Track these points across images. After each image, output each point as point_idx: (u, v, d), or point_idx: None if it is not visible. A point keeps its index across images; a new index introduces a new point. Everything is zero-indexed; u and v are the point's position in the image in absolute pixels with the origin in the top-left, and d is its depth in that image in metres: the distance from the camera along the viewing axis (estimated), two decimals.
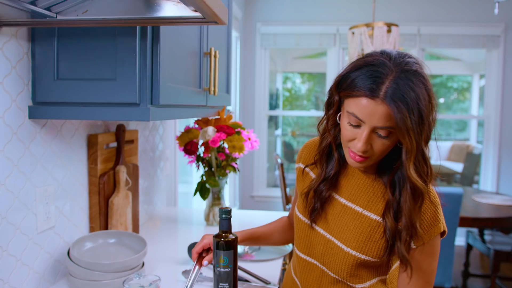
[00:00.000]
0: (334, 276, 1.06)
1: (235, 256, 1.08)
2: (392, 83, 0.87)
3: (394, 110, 0.86)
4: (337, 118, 1.03)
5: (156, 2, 0.91)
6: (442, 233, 1.00)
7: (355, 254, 1.01)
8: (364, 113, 0.90)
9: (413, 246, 0.97)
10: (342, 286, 1.06)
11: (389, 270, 1.07)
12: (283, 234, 1.35)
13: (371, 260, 1.01)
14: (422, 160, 0.92)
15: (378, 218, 1.02)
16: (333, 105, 1.01)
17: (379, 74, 0.88)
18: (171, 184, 2.46)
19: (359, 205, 1.05)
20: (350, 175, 1.09)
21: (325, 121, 1.07)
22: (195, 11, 0.88)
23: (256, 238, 1.29)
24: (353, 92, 0.91)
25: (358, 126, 0.93)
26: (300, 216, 1.14)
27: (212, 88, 1.52)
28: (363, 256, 1.01)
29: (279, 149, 6.58)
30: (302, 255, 1.14)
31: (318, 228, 1.09)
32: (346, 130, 0.96)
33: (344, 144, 1.00)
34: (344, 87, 0.95)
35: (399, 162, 0.97)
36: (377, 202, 1.03)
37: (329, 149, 1.08)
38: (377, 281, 1.06)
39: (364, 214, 1.03)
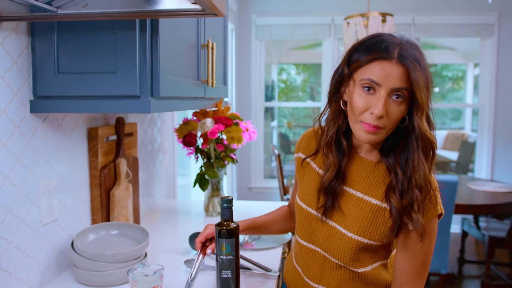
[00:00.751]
0: (336, 261, 1.09)
1: (237, 244, 1.11)
2: (402, 48, 0.94)
3: (410, 67, 0.92)
4: (341, 104, 1.06)
5: None
6: (439, 215, 1.03)
7: (357, 238, 1.04)
8: (381, 75, 0.94)
9: (410, 227, 0.99)
10: (344, 271, 1.09)
11: (389, 254, 1.10)
12: (283, 223, 1.37)
13: (373, 244, 1.04)
14: (427, 121, 0.98)
15: (379, 202, 1.04)
16: (344, 81, 1.04)
17: (389, 43, 0.96)
18: (170, 176, 2.47)
19: (360, 191, 1.07)
20: (350, 162, 1.11)
21: (327, 110, 1.10)
22: (195, 3, 0.89)
23: (257, 227, 1.32)
24: (368, 58, 0.96)
25: (372, 93, 0.96)
26: (303, 205, 1.16)
27: (210, 80, 1.54)
28: (365, 241, 1.03)
29: (275, 141, 6.60)
30: (304, 243, 1.16)
31: (321, 216, 1.12)
32: (359, 101, 0.98)
33: (355, 120, 1.00)
34: (356, 58, 0.99)
35: (402, 143, 1.01)
36: (377, 187, 1.06)
37: (336, 138, 1.09)
38: (379, 265, 1.09)
39: (365, 199, 1.06)
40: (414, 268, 1.03)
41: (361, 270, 1.08)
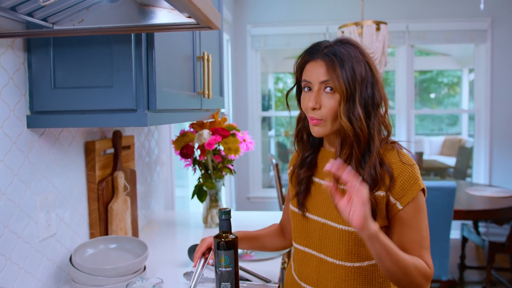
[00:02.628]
0: (332, 261, 1.09)
1: (236, 256, 1.10)
2: (331, 47, 1.07)
3: (327, 61, 1.04)
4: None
5: (151, 10, 0.93)
6: (423, 191, 1.06)
7: (348, 229, 1.06)
8: (310, 74, 1.08)
9: (400, 206, 1.03)
10: (341, 271, 1.09)
11: None
12: (274, 238, 1.38)
13: None
14: (356, 110, 1.03)
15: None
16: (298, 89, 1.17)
17: (319, 45, 1.09)
18: (168, 188, 2.47)
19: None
20: (326, 159, 1.15)
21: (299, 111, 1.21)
22: (189, 17, 0.90)
23: (248, 239, 1.33)
24: (300, 64, 1.12)
25: (310, 89, 1.09)
26: (294, 208, 1.20)
27: (206, 92, 1.54)
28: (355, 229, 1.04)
29: (273, 150, 6.60)
30: (300, 247, 1.17)
31: (311, 216, 1.14)
32: (303, 100, 1.11)
33: (307, 116, 1.11)
34: (296, 66, 1.14)
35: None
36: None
37: (301, 133, 1.20)
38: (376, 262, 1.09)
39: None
40: (417, 243, 1.04)
41: (357, 264, 1.08)
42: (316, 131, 1.10)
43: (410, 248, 1.04)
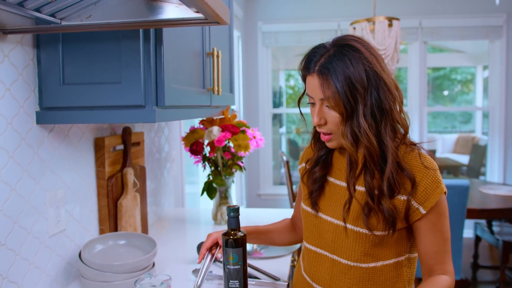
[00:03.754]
0: (346, 262, 1.07)
1: (244, 253, 1.10)
2: (325, 58, 1.00)
3: (322, 77, 0.99)
4: None
5: (158, 5, 0.93)
6: (445, 193, 1.05)
7: (365, 231, 1.03)
8: (310, 89, 1.04)
9: (423, 211, 1.01)
10: (355, 272, 1.07)
11: (404, 251, 1.09)
12: (285, 233, 1.36)
13: (382, 234, 1.03)
14: (362, 125, 0.98)
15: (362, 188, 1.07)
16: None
17: (314, 54, 1.02)
18: (178, 184, 2.47)
19: (359, 185, 1.07)
20: (343, 158, 1.13)
21: None
22: (197, 12, 0.89)
23: (259, 233, 1.31)
24: (302, 76, 1.07)
25: (314, 104, 1.05)
26: (306, 208, 1.17)
27: (215, 88, 1.53)
28: (374, 233, 1.03)
29: (284, 147, 6.59)
30: (312, 247, 1.15)
31: (325, 217, 1.11)
32: (311, 114, 1.08)
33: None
34: (301, 77, 1.09)
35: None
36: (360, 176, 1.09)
37: (318, 135, 1.16)
38: (392, 262, 1.07)
39: (365, 191, 1.05)
40: (441, 246, 1.05)
41: (371, 265, 1.06)
42: (330, 145, 1.09)
43: (434, 252, 1.04)
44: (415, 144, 1.07)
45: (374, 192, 1.01)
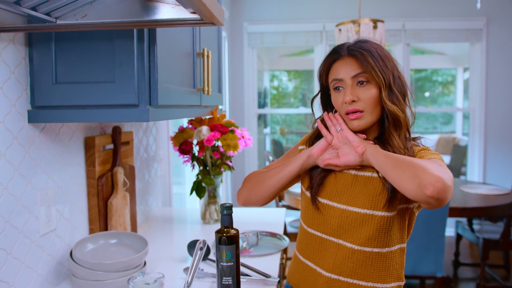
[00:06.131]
0: (351, 246, 1.10)
1: (237, 251, 1.11)
2: (350, 45, 1.12)
3: (358, 55, 1.08)
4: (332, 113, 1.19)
5: (154, 5, 0.93)
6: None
7: (373, 213, 1.08)
8: (339, 71, 1.11)
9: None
10: (359, 256, 1.10)
11: (404, 239, 1.14)
12: None
13: (389, 215, 1.07)
14: (395, 95, 1.09)
15: (369, 174, 1.13)
16: (324, 96, 1.22)
17: (338, 46, 1.14)
18: (166, 184, 2.47)
19: (368, 171, 1.12)
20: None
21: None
22: (193, 13, 0.90)
23: None
24: (326, 65, 1.14)
25: (342, 90, 1.11)
26: (309, 194, 1.19)
27: (206, 88, 1.54)
28: (381, 213, 1.07)
29: (268, 147, 6.61)
30: (317, 233, 1.17)
31: (330, 203, 1.15)
32: (335, 100, 1.14)
33: (343, 115, 1.13)
34: (321, 71, 1.17)
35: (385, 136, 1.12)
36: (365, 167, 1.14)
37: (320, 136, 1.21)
38: (397, 249, 1.12)
39: (374, 176, 1.11)
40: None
41: (376, 250, 1.09)
42: (356, 125, 1.11)
43: None
44: (418, 138, 1.16)
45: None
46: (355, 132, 1.12)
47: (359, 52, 1.08)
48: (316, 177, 1.17)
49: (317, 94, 1.23)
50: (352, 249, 1.10)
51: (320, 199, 1.17)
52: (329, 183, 1.17)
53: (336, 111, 1.18)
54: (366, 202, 1.09)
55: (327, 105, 1.22)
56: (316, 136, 1.24)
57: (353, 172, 1.14)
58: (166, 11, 0.93)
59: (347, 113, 1.11)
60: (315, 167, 1.18)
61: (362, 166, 1.12)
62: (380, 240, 1.09)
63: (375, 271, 1.10)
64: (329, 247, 1.14)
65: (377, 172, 1.09)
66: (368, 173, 1.12)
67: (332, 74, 1.13)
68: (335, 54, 1.12)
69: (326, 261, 1.14)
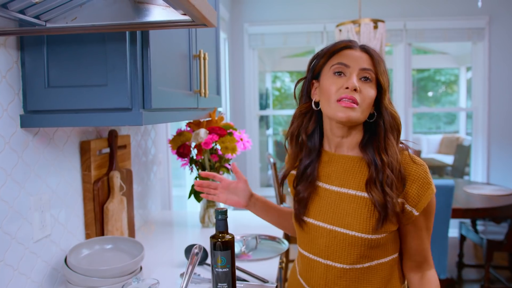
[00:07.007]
0: (341, 266, 1.06)
1: (232, 256, 1.09)
2: (365, 45, 1.11)
3: (373, 54, 1.08)
4: (312, 105, 1.13)
5: (145, 7, 0.92)
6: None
7: (361, 235, 1.03)
8: (350, 58, 1.07)
9: (416, 213, 1.04)
10: (349, 275, 1.07)
11: (398, 248, 1.12)
12: (282, 217, 1.35)
13: (379, 237, 1.04)
14: (389, 101, 1.09)
15: (359, 193, 1.08)
16: (312, 84, 1.15)
17: (351, 40, 1.12)
18: (165, 187, 2.46)
19: (352, 188, 1.07)
20: (332, 162, 1.12)
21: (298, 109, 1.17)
22: (184, 14, 0.88)
23: (268, 207, 1.34)
24: (336, 48, 1.09)
25: (343, 77, 1.06)
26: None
27: (202, 90, 1.53)
28: (369, 236, 1.03)
29: (271, 149, 6.60)
30: (305, 253, 1.14)
31: (317, 222, 1.10)
32: (332, 84, 1.06)
33: (332, 101, 1.05)
34: (322, 54, 1.11)
35: (376, 136, 1.08)
36: (354, 179, 1.09)
37: (298, 133, 1.15)
38: (388, 260, 1.09)
39: (358, 195, 1.06)
40: (427, 244, 1.10)
41: (366, 265, 1.06)
42: (348, 114, 1.02)
43: (422, 249, 1.10)
44: (402, 143, 1.10)
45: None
46: (342, 123, 1.06)
47: (373, 53, 1.08)
48: (301, 194, 1.14)
49: (304, 78, 1.16)
50: (343, 269, 1.07)
51: (305, 219, 1.13)
52: (313, 201, 1.12)
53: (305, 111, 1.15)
54: (354, 224, 1.04)
55: (307, 93, 1.15)
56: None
57: (335, 189, 1.10)
58: (157, 13, 0.92)
59: (341, 99, 1.03)
60: (299, 183, 1.15)
61: (343, 182, 1.09)
62: (372, 256, 1.06)
63: (371, 284, 1.07)
64: (318, 268, 1.10)
65: (369, 192, 1.04)
66: (352, 191, 1.07)
67: (337, 58, 1.08)
68: (349, 43, 1.10)
69: (316, 282, 1.11)
